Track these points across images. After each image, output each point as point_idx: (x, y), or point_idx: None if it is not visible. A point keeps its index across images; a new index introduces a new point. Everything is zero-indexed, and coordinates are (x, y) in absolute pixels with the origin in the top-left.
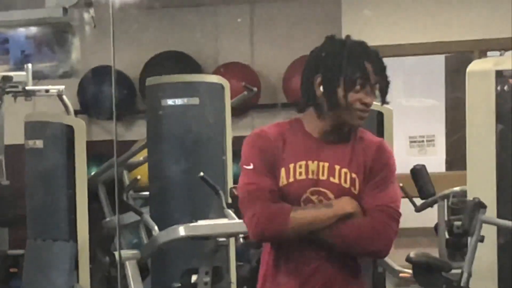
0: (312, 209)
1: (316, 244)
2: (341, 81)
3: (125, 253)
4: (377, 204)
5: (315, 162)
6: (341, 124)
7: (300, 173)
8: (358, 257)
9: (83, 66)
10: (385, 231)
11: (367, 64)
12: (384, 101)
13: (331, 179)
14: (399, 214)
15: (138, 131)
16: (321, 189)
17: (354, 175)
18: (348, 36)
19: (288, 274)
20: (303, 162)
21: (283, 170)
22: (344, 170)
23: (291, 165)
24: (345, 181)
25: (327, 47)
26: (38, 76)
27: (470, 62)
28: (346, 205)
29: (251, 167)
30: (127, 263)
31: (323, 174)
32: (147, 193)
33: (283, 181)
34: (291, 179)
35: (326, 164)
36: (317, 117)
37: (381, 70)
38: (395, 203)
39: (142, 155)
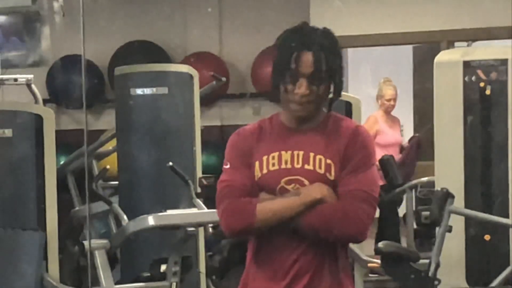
0: (279, 199)
1: (296, 235)
2: (275, 73)
3: (95, 242)
4: (350, 189)
5: (289, 152)
6: (290, 114)
7: (273, 164)
8: (338, 243)
9: (52, 55)
10: (357, 215)
11: (298, 53)
12: (336, 92)
13: (306, 166)
14: (374, 198)
15: (107, 121)
16: (296, 177)
17: (329, 161)
18: (303, 23)
19: (269, 265)
20: (276, 153)
21: (257, 163)
22: (318, 156)
23: (264, 157)
24: (320, 167)
25: (278, 37)
26: (6, 65)
27: (437, 53)
28: (314, 191)
29: (227, 166)
30: (96, 252)
31: (298, 163)
32: (116, 182)
33: (257, 174)
34: (265, 171)
35: (301, 153)
36: (283, 106)
37: (317, 59)
38: (369, 187)
39: (111, 145)
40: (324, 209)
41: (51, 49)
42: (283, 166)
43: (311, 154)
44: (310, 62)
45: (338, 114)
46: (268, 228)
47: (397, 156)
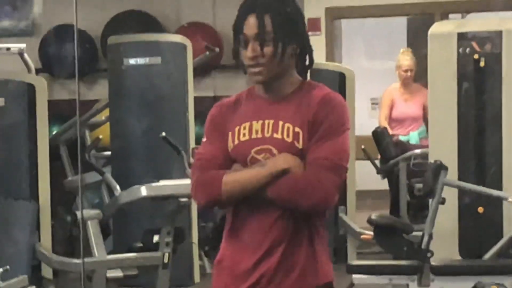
0: (245, 170)
1: (268, 206)
2: (234, 42)
3: (87, 212)
4: (315, 157)
5: (260, 121)
6: (251, 80)
7: (244, 134)
8: (310, 214)
9: (45, 24)
10: (320, 184)
11: (250, 16)
12: (303, 58)
13: (275, 135)
14: (340, 166)
15: (100, 90)
16: (266, 146)
17: (297, 129)
18: None
19: (243, 237)
20: (247, 123)
21: (230, 134)
22: (287, 125)
23: (236, 128)
24: (288, 136)
25: None
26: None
27: (431, 25)
28: (279, 162)
29: (204, 139)
30: (89, 222)
31: (267, 132)
32: (109, 152)
33: (230, 145)
34: (236, 142)
35: (271, 122)
36: None
37: (260, 20)
38: (335, 155)
39: (104, 115)
40: (288, 179)
41: (44, 18)
42: (253, 136)
43: (280, 123)
44: (253, 24)
45: (314, 82)
46: (235, 199)
47: (408, 130)
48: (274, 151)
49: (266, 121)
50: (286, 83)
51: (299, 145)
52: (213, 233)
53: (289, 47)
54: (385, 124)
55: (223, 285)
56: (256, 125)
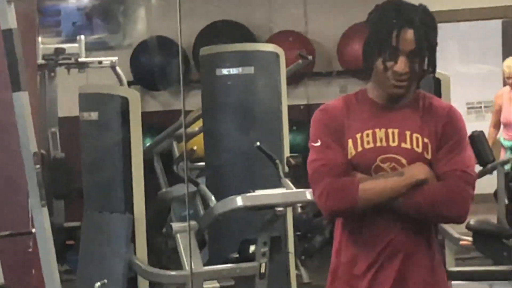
0: (382, 179)
1: (390, 216)
2: (371, 49)
3: (182, 224)
4: (452, 169)
5: (383, 130)
6: (385, 92)
7: (368, 142)
8: (434, 223)
9: (135, 37)
10: (461, 196)
11: (399, 30)
12: (433, 70)
13: (403, 144)
14: (474, 178)
15: (191, 102)
16: (393, 155)
17: (426, 140)
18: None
19: (361, 247)
20: (370, 131)
21: (350, 141)
22: (415, 135)
23: (358, 135)
24: (417, 146)
25: (370, 13)
26: (90, 48)
27: None
28: (417, 172)
29: (318, 143)
30: (183, 234)
31: (393, 141)
32: (202, 163)
33: (351, 152)
34: (359, 149)
35: (396, 131)
36: (376, 83)
37: (418, 37)
38: (469, 168)
39: (197, 125)
40: (430, 189)
41: (134, 31)
42: (378, 144)
43: (407, 132)
44: (411, 39)
45: (425, 92)
46: (369, 208)
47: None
48: (403, 161)
49: (390, 130)
50: (410, 92)
51: (428, 156)
52: (322, 245)
53: (431, 61)
54: (492, 132)
55: None
56: (379, 133)
